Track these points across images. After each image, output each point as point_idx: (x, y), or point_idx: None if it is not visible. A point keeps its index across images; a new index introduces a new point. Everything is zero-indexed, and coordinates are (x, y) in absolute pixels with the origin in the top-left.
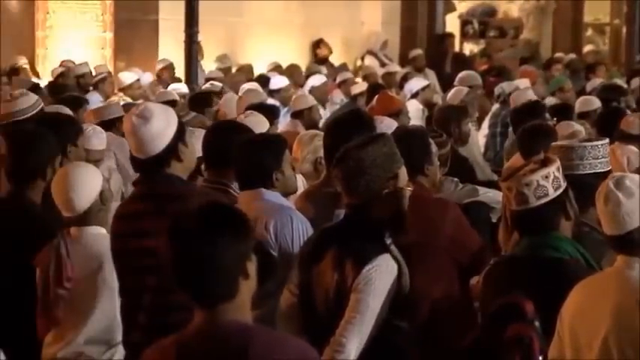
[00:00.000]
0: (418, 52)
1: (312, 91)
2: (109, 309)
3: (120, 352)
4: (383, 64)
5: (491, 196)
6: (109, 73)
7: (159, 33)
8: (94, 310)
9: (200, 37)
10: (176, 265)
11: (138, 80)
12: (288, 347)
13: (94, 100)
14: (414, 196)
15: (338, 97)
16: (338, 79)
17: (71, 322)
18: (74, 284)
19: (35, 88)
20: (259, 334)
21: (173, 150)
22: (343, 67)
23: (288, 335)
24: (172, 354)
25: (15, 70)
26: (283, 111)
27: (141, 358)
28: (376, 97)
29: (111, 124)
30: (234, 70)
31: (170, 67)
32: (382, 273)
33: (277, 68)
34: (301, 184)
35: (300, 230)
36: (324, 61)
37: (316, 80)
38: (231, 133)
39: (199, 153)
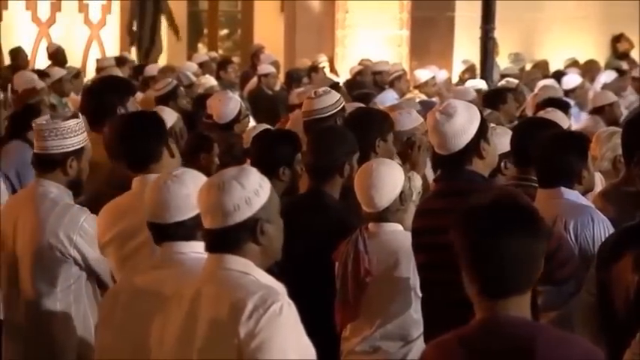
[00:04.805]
0: None
1: (604, 87)
2: (404, 305)
3: (416, 348)
4: None
5: None
6: (404, 70)
7: (454, 30)
8: (389, 306)
9: (495, 34)
10: (466, 255)
11: (433, 77)
12: (574, 346)
13: (390, 97)
14: None
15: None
16: (633, 73)
17: (368, 316)
18: (372, 279)
19: (335, 87)
20: (545, 331)
21: (475, 147)
22: None
23: (573, 335)
24: (456, 349)
25: (314, 68)
26: (575, 109)
27: (423, 354)
28: None
29: None
30: (528, 67)
31: (472, 69)
32: None
33: (574, 64)
34: (599, 182)
35: (601, 230)
36: (624, 55)
37: (608, 76)
38: (538, 129)
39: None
